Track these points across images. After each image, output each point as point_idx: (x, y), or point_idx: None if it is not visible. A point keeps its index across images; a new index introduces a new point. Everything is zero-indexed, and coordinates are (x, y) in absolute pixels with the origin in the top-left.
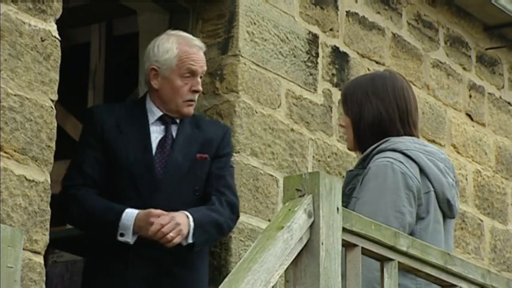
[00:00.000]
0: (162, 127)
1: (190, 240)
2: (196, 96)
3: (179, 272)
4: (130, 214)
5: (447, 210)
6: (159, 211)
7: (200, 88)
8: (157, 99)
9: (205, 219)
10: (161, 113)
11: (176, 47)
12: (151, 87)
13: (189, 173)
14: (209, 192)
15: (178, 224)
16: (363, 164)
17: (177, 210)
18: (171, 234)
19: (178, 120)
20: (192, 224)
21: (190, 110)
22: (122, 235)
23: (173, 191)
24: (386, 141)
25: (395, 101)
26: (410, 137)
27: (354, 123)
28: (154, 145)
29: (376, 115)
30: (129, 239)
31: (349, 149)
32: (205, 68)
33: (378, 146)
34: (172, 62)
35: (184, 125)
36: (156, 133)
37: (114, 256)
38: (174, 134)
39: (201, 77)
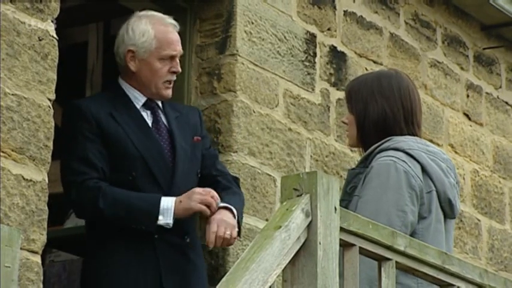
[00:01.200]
0: (149, 112)
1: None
2: (174, 76)
3: (197, 260)
4: (168, 199)
5: (448, 210)
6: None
7: (179, 69)
8: (134, 82)
9: (240, 205)
10: (145, 98)
11: (151, 28)
12: (128, 70)
13: (192, 157)
14: (208, 173)
15: (233, 227)
16: (365, 162)
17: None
18: (227, 234)
19: (161, 105)
20: (236, 218)
21: (169, 93)
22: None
23: (185, 177)
24: (388, 140)
25: (400, 101)
26: (412, 137)
27: (358, 121)
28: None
29: (381, 114)
30: (169, 220)
31: (350, 146)
32: (180, 47)
33: (380, 144)
34: (151, 44)
35: (168, 110)
36: (146, 119)
37: (137, 240)
38: (163, 119)
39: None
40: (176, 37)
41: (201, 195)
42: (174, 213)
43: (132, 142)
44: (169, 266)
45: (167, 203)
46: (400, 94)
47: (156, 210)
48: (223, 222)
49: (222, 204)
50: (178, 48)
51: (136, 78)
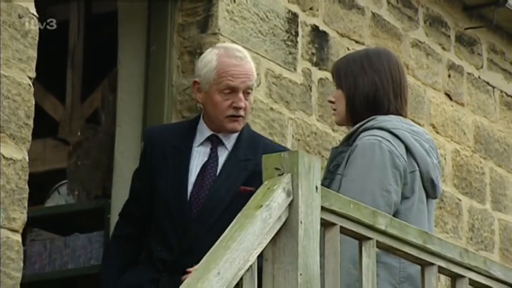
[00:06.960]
0: (208, 148)
1: None
2: (242, 112)
3: None
4: None
5: (430, 190)
6: None
7: (242, 105)
8: (206, 115)
9: None
10: (210, 133)
11: (216, 59)
12: (197, 101)
13: (229, 208)
14: None
15: None
16: (348, 141)
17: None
18: None
19: (230, 142)
20: None
21: (236, 126)
22: None
23: (207, 231)
24: (373, 119)
25: (390, 73)
26: (397, 116)
27: (348, 95)
28: (195, 171)
29: (372, 86)
30: None
31: (337, 123)
32: (250, 82)
33: (364, 123)
34: (210, 76)
35: (240, 149)
36: (201, 156)
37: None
38: (222, 158)
39: (249, 93)
40: (240, 70)
41: None
42: None
43: (165, 184)
44: None
45: None
46: (389, 67)
47: None
48: None
49: None
50: (239, 80)
51: (205, 111)
